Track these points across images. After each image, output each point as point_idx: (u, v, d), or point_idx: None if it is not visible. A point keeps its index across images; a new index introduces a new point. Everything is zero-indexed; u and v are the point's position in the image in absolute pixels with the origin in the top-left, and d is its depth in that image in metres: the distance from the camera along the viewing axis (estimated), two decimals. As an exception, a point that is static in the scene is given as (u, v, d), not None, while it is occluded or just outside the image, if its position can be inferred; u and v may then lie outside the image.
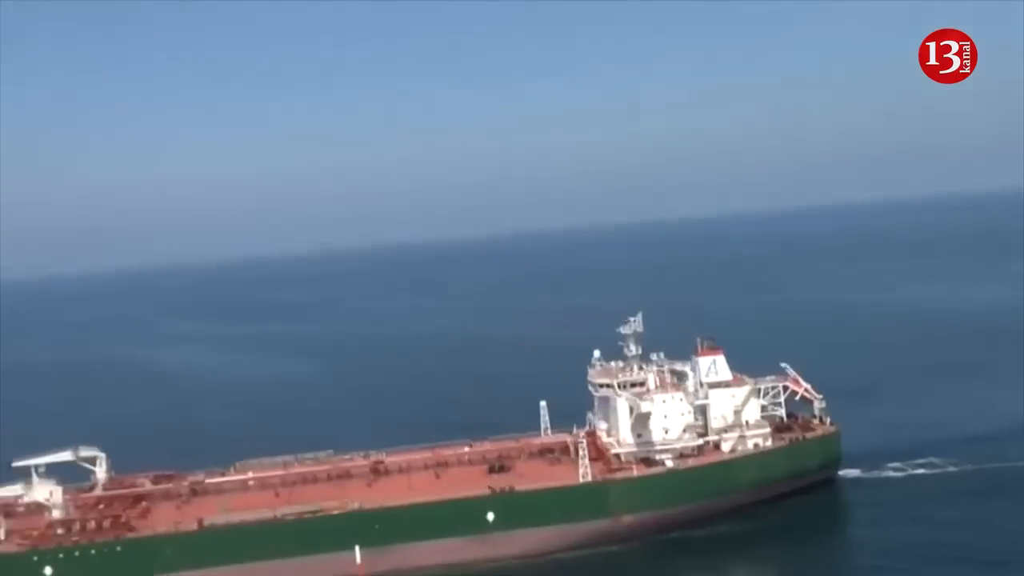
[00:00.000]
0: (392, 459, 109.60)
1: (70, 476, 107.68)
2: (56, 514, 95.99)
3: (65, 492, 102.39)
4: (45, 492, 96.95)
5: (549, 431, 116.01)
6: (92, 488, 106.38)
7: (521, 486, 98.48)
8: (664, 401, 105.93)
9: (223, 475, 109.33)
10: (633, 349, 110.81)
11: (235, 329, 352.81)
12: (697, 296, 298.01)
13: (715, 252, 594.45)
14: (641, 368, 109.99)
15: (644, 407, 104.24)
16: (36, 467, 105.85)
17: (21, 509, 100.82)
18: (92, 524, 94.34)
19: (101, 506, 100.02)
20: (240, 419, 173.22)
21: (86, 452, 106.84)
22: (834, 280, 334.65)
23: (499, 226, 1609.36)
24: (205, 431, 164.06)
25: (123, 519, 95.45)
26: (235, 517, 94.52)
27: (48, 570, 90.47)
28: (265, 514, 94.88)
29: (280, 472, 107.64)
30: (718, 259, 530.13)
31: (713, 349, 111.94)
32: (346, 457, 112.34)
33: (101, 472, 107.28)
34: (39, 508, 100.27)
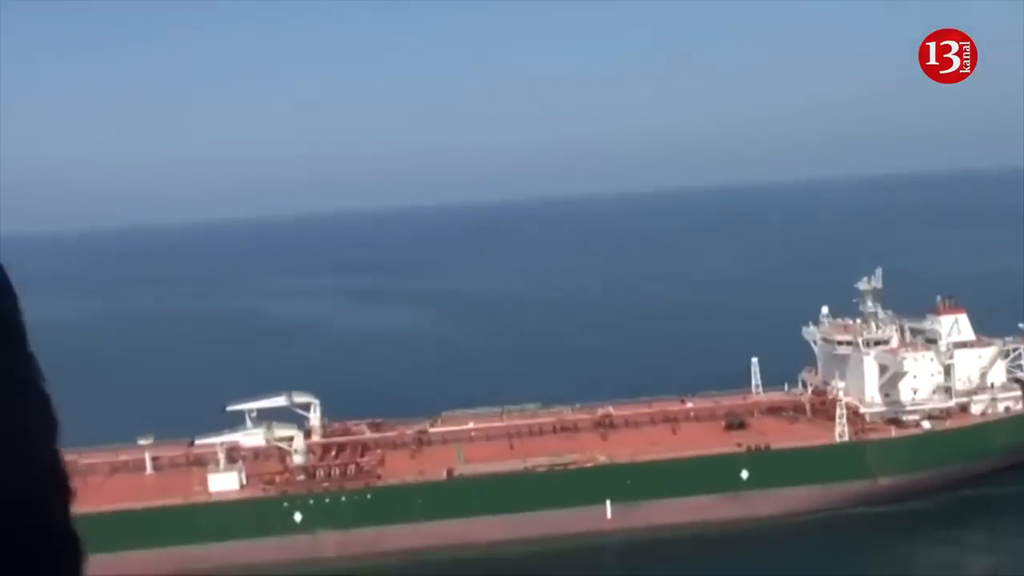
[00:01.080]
0: (618, 412, 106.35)
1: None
2: (297, 460, 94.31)
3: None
4: (287, 437, 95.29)
5: (760, 388, 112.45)
6: (309, 434, 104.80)
7: (774, 444, 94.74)
8: (916, 360, 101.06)
9: (431, 426, 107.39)
10: (871, 306, 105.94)
11: (381, 284, 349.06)
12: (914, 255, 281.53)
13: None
14: (880, 326, 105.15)
15: (899, 366, 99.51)
16: (249, 411, 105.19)
17: (245, 454, 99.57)
18: (336, 471, 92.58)
19: (333, 452, 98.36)
20: (410, 371, 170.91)
21: (300, 398, 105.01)
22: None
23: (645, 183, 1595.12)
24: (377, 383, 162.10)
25: (365, 467, 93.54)
26: (485, 468, 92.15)
27: (298, 516, 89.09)
28: (515, 465, 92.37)
29: (500, 423, 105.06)
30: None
31: (956, 308, 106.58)
32: (554, 410, 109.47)
33: (315, 418, 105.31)
34: (264, 453, 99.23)
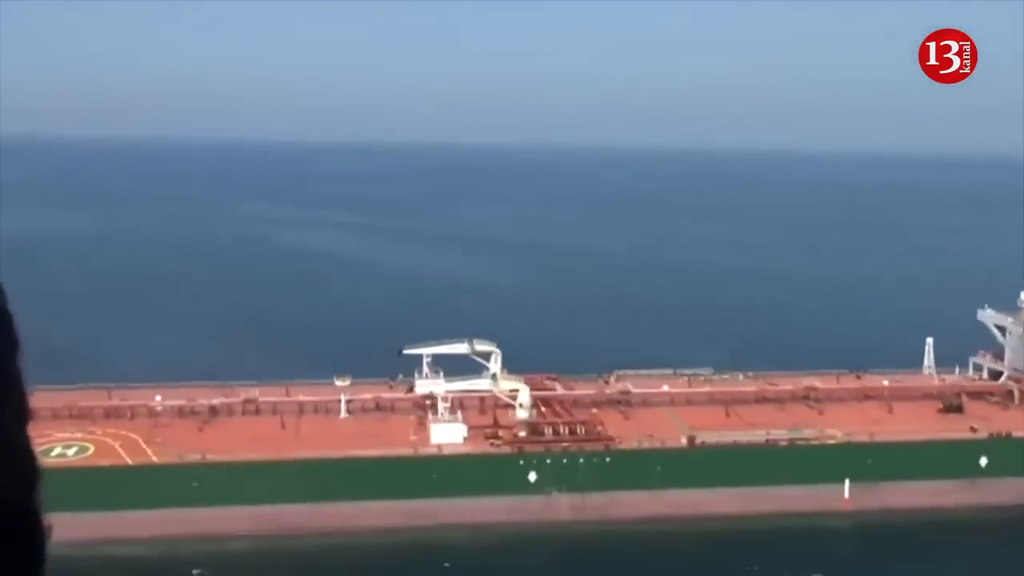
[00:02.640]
0: (823, 386, 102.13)
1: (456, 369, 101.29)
2: (521, 415, 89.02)
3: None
4: (514, 387, 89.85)
5: (933, 370, 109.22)
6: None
7: (1015, 432, 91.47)
8: None
9: (606, 381, 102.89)
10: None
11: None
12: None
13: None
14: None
15: None
16: (426, 357, 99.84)
17: (447, 404, 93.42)
18: (564, 429, 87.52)
19: (543, 408, 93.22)
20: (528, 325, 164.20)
21: (481, 346, 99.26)
22: None
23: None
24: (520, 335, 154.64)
25: (597, 427, 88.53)
26: (725, 437, 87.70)
27: (532, 476, 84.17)
28: (755, 437, 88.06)
29: (705, 389, 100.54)
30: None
31: None
32: (726, 376, 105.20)
33: (495, 368, 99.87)
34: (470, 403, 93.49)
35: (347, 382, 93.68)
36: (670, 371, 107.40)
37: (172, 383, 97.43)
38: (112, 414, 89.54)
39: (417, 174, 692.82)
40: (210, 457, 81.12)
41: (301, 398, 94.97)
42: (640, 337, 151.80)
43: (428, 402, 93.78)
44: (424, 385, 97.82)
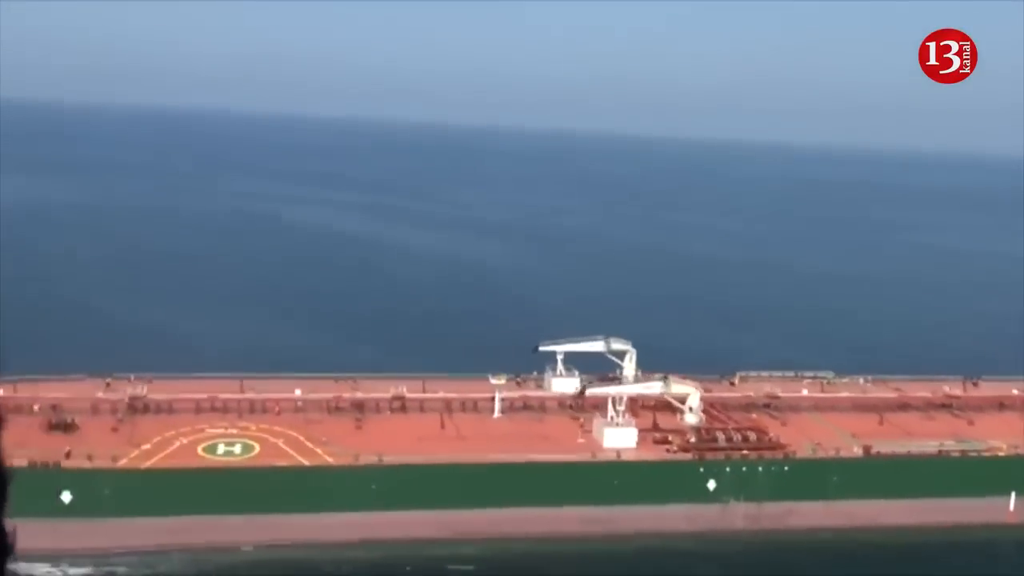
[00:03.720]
0: (955, 392, 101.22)
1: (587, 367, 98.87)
2: (690, 420, 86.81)
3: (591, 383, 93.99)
4: (684, 392, 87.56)
5: None
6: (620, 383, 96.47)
7: None
8: None
9: (732, 382, 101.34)
10: None
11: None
12: None
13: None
14: None
15: None
16: (559, 354, 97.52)
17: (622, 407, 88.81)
18: (737, 436, 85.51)
19: (713, 411, 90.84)
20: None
21: (617, 345, 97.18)
22: None
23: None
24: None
25: (768, 435, 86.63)
26: (901, 447, 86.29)
27: (712, 484, 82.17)
28: (928, 447, 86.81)
29: (842, 395, 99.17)
30: None
31: None
32: (845, 380, 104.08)
33: (630, 368, 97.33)
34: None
35: (502, 380, 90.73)
36: (791, 373, 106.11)
37: (288, 374, 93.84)
38: (257, 408, 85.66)
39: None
40: (388, 459, 77.79)
41: (442, 395, 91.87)
42: (741, 337, 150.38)
43: (570, 403, 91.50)
44: (560, 383, 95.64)
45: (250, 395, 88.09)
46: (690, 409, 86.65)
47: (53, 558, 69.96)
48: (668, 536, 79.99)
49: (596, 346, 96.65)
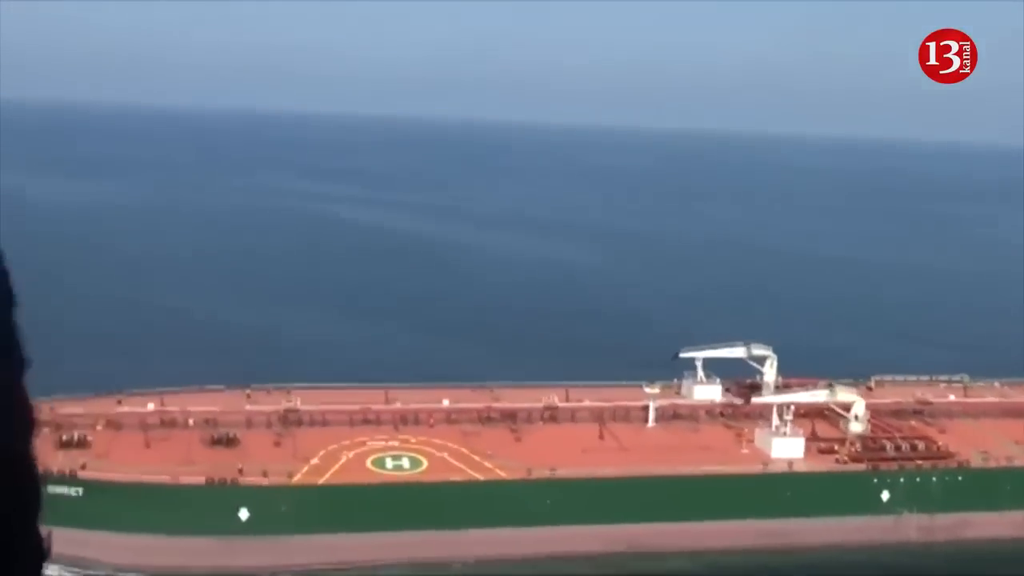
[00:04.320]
0: None
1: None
2: (855, 428, 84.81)
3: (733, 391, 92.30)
4: (849, 400, 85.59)
5: None
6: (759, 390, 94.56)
7: None
8: None
9: (869, 387, 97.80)
10: None
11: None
12: None
13: None
14: None
15: None
16: (698, 360, 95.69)
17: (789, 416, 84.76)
18: (906, 445, 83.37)
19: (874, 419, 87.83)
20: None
21: (758, 350, 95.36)
22: None
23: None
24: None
25: (936, 443, 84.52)
26: None
27: (885, 495, 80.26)
28: None
29: (988, 399, 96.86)
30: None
31: None
32: (987, 383, 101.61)
33: (771, 374, 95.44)
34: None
35: (656, 389, 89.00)
36: (926, 377, 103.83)
37: (428, 383, 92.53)
38: (409, 419, 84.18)
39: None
40: (560, 473, 76.27)
41: (588, 403, 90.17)
42: (862, 338, 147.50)
43: (720, 411, 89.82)
44: (702, 391, 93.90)
45: (397, 405, 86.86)
46: (856, 417, 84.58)
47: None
48: (841, 549, 77.96)
49: (737, 352, 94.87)
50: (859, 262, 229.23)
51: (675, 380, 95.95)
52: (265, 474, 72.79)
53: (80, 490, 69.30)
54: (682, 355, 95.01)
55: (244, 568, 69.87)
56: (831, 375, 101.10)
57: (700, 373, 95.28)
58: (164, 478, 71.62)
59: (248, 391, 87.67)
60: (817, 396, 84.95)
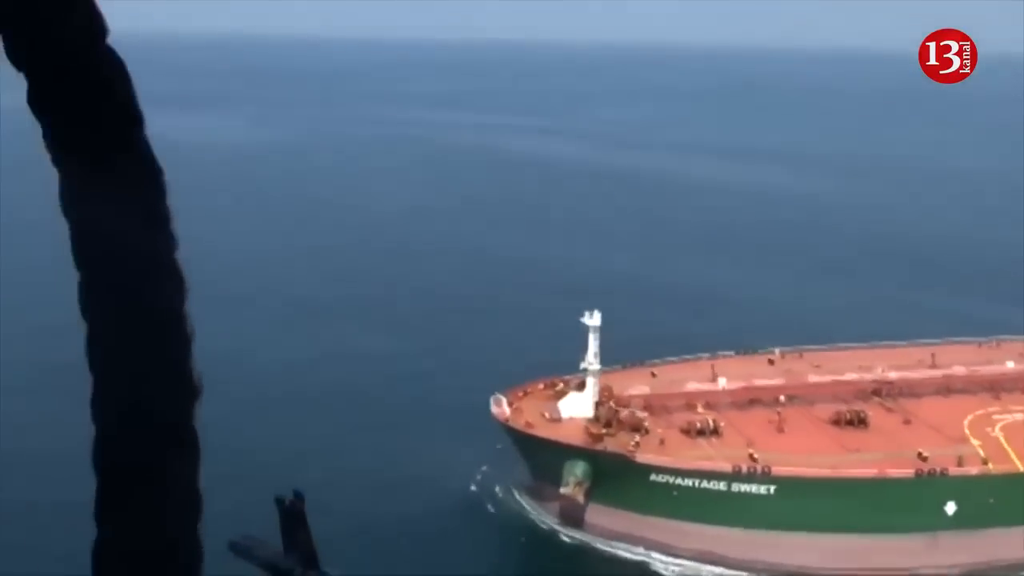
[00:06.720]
0: None
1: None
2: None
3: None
4: None
5: None
6: None
7: None
8: None
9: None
10: None
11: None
12: None
13: None
14: None
15: None
16: None
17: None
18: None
19: None
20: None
21: None
22: None
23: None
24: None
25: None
26: None
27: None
28: None
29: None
30: None
31: None
32: None
33: None
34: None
35: None
36: None
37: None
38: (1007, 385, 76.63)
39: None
40: None
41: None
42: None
43: None
44: None
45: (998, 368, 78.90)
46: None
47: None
48: None
49: None
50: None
51: None
52: (960, 462, 66.03)
53: (772, 488, 65.37)
54: None
55: (949, 565, 65.23)
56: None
57: None
58: (866, 471, 65.22)
59: (771, 356, 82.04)
60: None
